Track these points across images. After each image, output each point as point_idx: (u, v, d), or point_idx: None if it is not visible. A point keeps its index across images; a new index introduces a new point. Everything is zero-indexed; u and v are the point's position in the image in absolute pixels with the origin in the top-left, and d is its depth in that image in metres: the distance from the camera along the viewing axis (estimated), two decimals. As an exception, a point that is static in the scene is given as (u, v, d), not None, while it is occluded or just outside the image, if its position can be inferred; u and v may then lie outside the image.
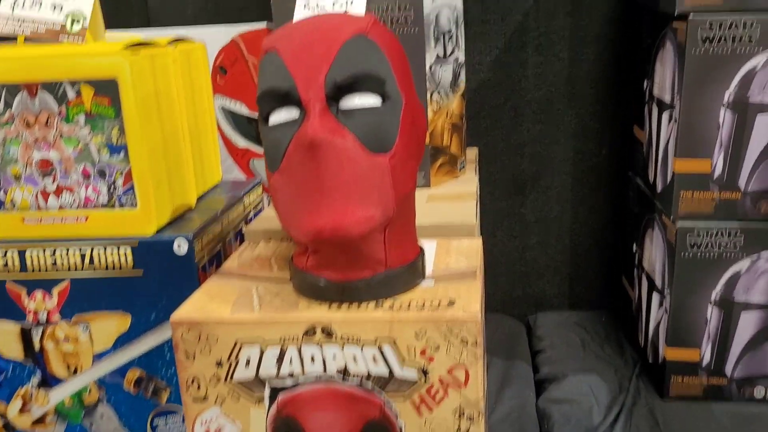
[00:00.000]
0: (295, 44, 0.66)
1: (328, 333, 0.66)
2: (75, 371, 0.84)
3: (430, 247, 0.82)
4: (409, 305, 0.67)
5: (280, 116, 0.66)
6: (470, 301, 0.67)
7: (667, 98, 1.03)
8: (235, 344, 0.67)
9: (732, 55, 0.93)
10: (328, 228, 0.62)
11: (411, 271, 0.71)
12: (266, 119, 0.67)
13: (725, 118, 0.96)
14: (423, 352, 0.65)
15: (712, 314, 1.03)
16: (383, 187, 0.65)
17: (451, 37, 1.08)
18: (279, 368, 0.66)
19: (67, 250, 0.80)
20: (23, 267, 0.81)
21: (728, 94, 0.95)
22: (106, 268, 0.80)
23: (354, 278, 0.68)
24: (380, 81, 0.65)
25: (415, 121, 0.70)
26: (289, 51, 0.65)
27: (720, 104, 0.95)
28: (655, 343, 1.13)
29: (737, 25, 0.92)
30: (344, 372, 0.66)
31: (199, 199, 0.95)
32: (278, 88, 0.65)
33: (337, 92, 0.64)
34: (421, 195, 0.95)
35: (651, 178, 1.13)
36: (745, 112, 0.95)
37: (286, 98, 0.65)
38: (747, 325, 1.03)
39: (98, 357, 0.84)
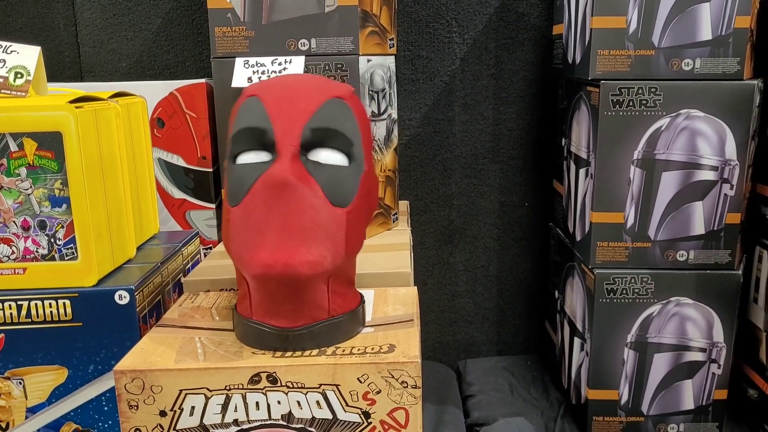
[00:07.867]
0: (278, 93, 0.71)
1: (272, 380, 0.67)
2: (6, 427, 0.82)
3: (368, 295, 0.85)
4: (351, 351, 0.70)
5: (249, 157, 0.69)
6: (409, 345, 0.70)
7: (583, 155, 1.12)
8: (180, 393, 0.67)
9: (640, 117, 1.03)
10: (279, 264, 0.64)
11: (353, 319, 0.74)
12: (234, 158, 0.70)
13: (635, 174, 1.04)
14: (365, 396, 0.67)
15: (629, 356, 1.10)
16: (338, 236, 0.68)
17: (384, 96, 1.14)
18: (224, 416, 0.68)
19: (2, 302, 0.79)
20: (-44, 320, 0.79)
21: (637, 153, 1.04)
22: (44, 320, 0.79)
23: (298, 326, 0.70)
24: (350, 142, 0.71)
25: (371, 189, 0.75)
26: (272, 98, 0.70)
27: (630, 162, 1.04)
28: (577, 385, 1.19)
29: (643, 91, 1.02)
30: (289, 417, 0.68)
31: (138, 249, 0.96)
32: (255, 128, 0.69)
33: (309, 144, 0.69)
34: (357, 245, 0.98)
35: (570, 228, 1.21)
36: (652, 169, 1.04)
37: (261, 140, 0.68)
38: (659, 366, 1.10)
39: (32, 411, 0.82)
